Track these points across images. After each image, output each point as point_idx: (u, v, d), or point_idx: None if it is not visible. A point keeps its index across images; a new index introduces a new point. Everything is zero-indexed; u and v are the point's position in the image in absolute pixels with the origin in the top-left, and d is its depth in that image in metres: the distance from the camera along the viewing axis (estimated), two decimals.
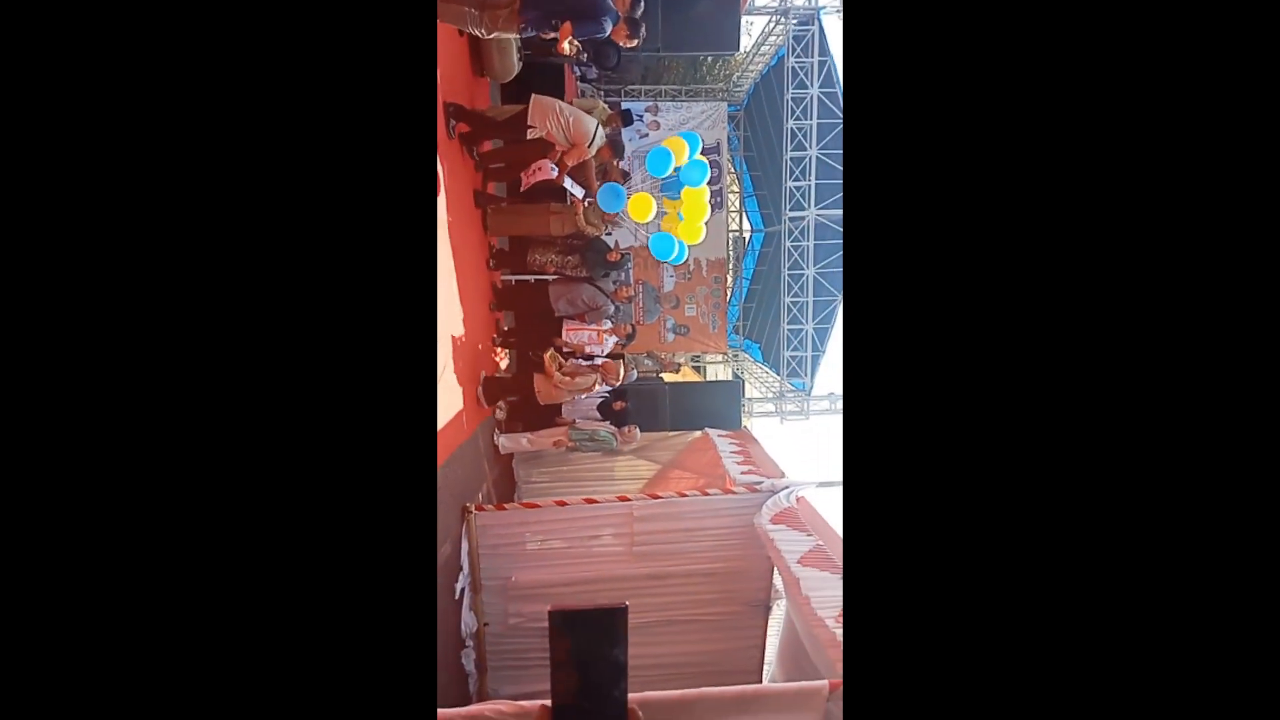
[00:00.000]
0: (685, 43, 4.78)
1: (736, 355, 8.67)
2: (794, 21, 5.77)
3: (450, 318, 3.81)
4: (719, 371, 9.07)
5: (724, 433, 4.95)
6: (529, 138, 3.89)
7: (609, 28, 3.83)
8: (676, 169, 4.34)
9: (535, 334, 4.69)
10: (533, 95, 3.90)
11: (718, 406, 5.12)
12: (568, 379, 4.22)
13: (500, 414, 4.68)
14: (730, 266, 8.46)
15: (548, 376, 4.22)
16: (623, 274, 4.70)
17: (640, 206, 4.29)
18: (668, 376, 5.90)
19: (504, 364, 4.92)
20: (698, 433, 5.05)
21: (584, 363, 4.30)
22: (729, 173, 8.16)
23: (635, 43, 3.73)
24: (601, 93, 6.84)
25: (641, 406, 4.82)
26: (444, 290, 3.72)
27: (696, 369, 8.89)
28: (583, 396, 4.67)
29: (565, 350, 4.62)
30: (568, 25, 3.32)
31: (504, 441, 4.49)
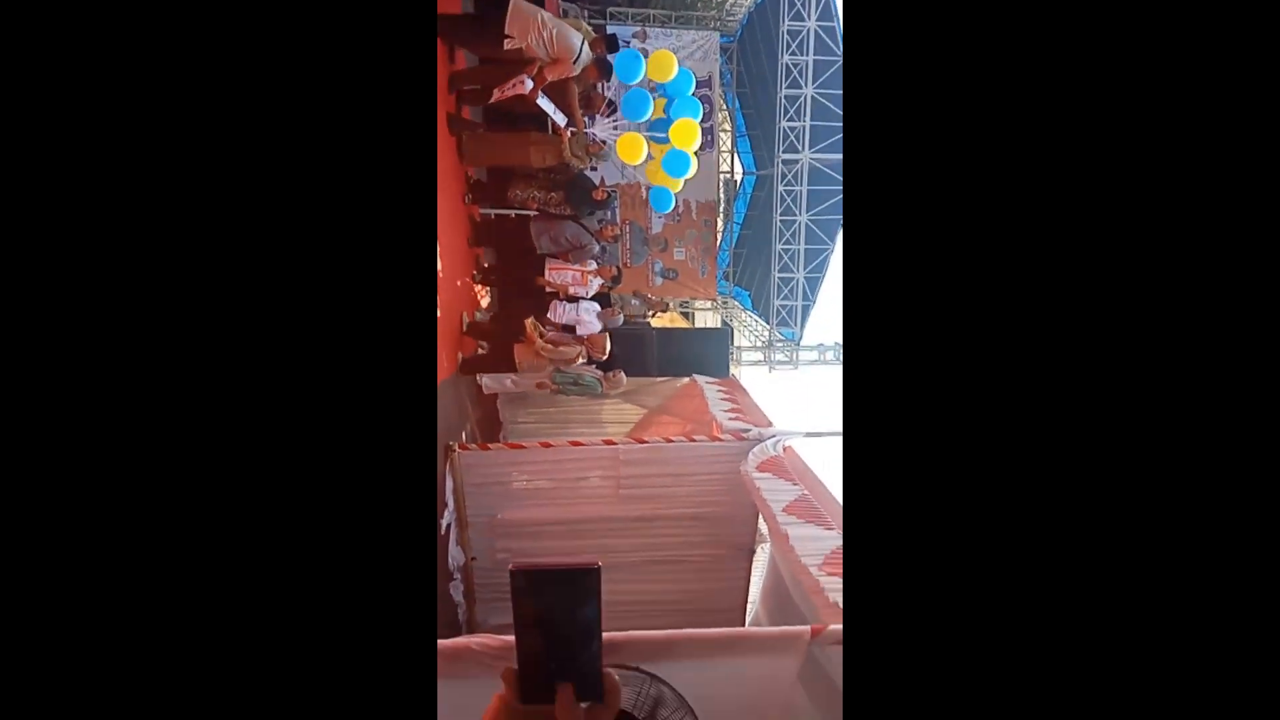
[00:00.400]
0: None
1: (726, 302, 8.51)
2: None
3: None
4: (708, 319, 8.92)
5: (712, 380, 4.84)
6: (506, 48, 3.56)
7: None
8: (667, 96, 4.05)
9: (517, 272, 4.48)
10: (511, 2, 3.55)
11: (706, 354, 4.99)
12: (550, 348, 4.04)
13: (484, 352, 4.51)
14: (721, 210, 8.18)
15: (529, 344, 4.04)
16: (609, 213, 4.46)
17: (630, 147, 4.01)
18: (655, 321, 5.73)
19: (485, 302, 4.71)
20: (685, 379, 4.94)
21: (568, 334, 4.11)
22: (721, 109, 7.77)
23: None
24: (585, 13, 6.37)
25: (628, 351, 4.67)
26: None
27: (685, 315, 8.72)
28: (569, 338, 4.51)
29: (549, 290, 4.42)
30: None
31: (487, 381, 4.34)
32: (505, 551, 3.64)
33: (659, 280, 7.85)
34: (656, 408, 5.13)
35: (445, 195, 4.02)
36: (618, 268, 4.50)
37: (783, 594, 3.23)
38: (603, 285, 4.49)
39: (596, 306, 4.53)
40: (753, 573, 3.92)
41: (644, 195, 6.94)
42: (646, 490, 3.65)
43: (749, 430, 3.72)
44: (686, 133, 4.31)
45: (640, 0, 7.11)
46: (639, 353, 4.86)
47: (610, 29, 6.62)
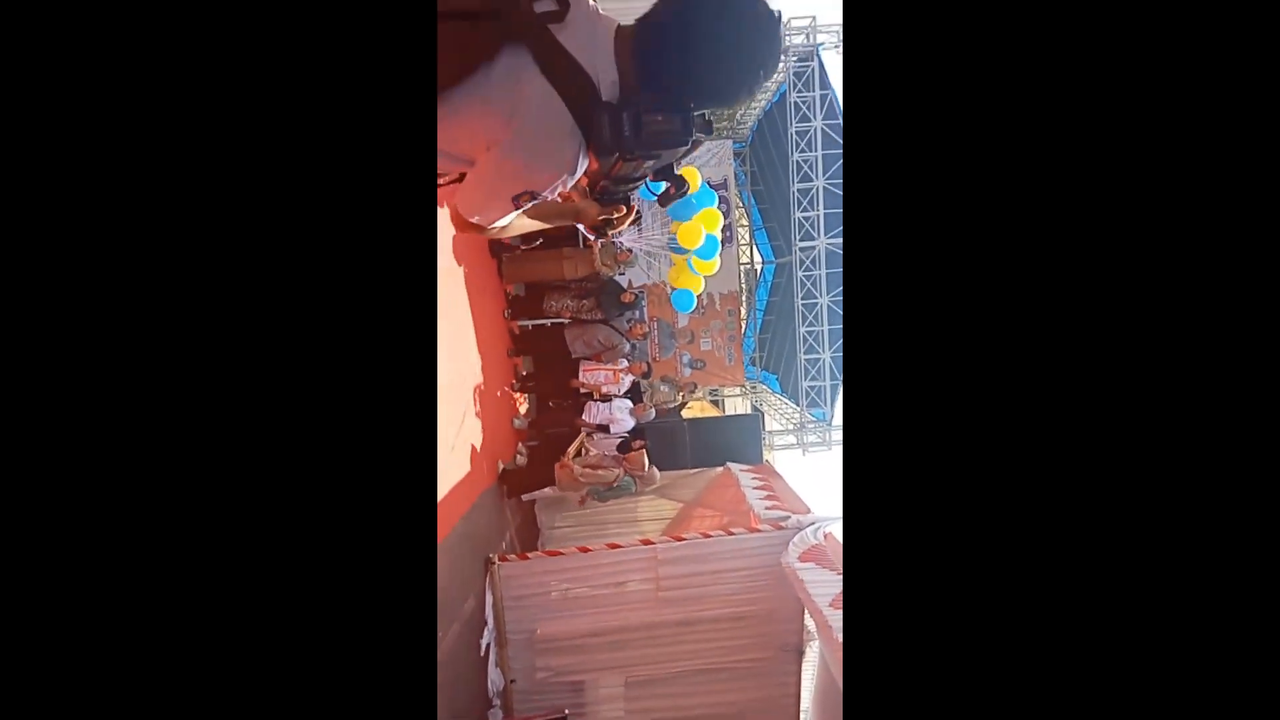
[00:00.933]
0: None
1: (755, 387, 8.62)
2: (794, 59, 5.92)
3: (469, 366, 3.87)
4: (737, 405, 9.00)
5: (746, 468, 4.89)
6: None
7: None
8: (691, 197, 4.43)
9: (553, 377, 4.73)
10: None
11: (738, 441, 5.06)
12: (589, 471, 4.19)
13: (521, 459, 4.69)
14: (744, 299, 8.49)
15: (566, 468, 4.20)
16: (637, 313, 4.75)
17: (692, 232, 4.36)
18: (686, 412, 5.85)
19: (523, 408, 4.95)
20: (720, 469, 4.99)
21: (607, 454, 4.29)
22: (737, 207, 8.27)
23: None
24: None
25: (661, 445, 4.79)
26: (463, 339, 3.78)
27: (715, 403, 8.83)
28: (601, 437, 4.67)
29: (582, 391, 4.64)
30: None
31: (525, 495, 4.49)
32: (545, 670, 3.56)
33: (688, 371, 8.05)
34: (692, 500, 5.15)
35: (485, 311, 4.38)
36: (648, 363, 4.73)
37: (836, 697, 3.11)
38: (635, 381, 4.70)
39: (629, 404, 4.71)
40: (805, 674, 3.77)
41: (668, 293, 7.32)
42: (687, 591, 3.61)
43: (787, 518, 3.71)
44: (710, 219, 4.63)
45: None
46: (671, 446, 4.97)
47: None
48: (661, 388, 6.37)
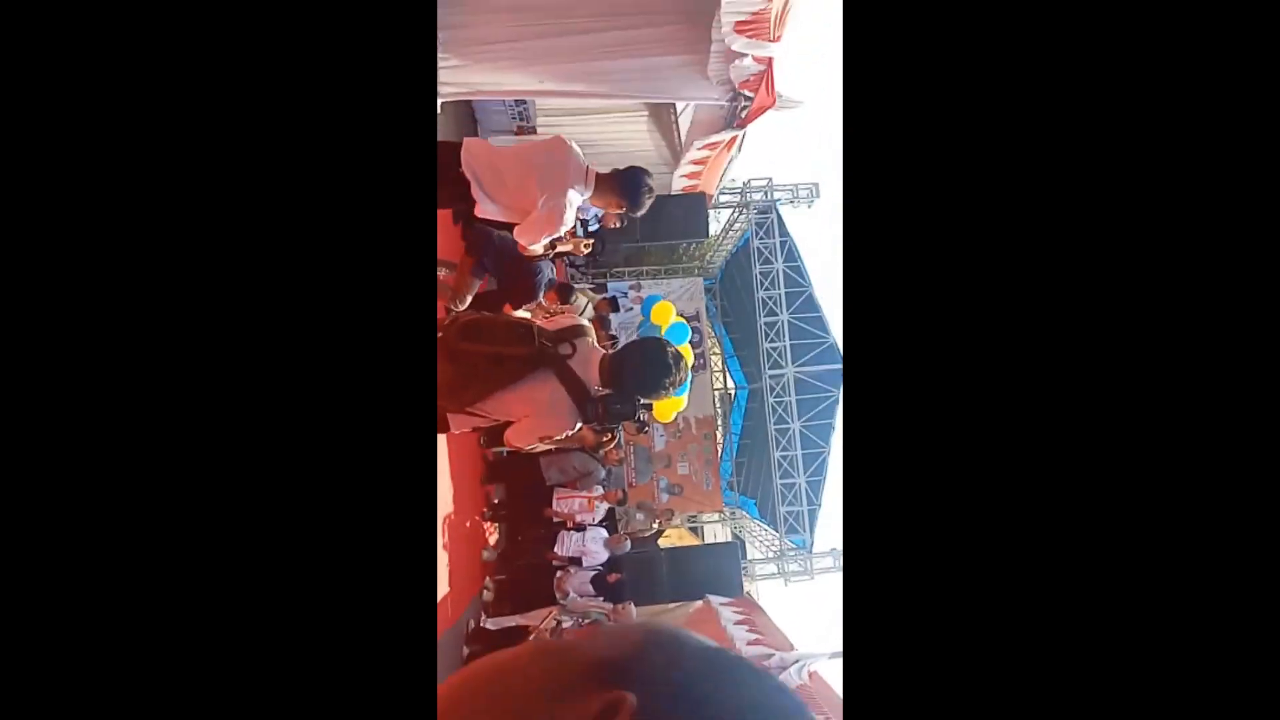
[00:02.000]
0: (661, 233, 5.48)
1: (734, 513, 8.50)
2: (755, 211, 6.67)
3: (440, 494, 3.83)
4: (717, 532, 8.79)
5: (726, 601, 4.72)
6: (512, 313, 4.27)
7: (594, 215, 4.43)
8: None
9: (526, 505, 4.67)
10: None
11: (718, 571, 4.92)
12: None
13: (487, 594, 4.47)
14: (719, 423, 8.66)
15: (542, 635, 4.09)
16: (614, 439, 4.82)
17: (668, 407, 4.52)
18: (663, 540, 5.72)
19: (493, 539, 4.81)
20: (698, 602, 4.80)
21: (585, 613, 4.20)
22: (709, 336, 8.73)
23: (621, 224, 4.30)
24: (588, 277, 7.57)
25: (637, 576, 4.63)
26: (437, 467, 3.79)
27: (694, 530, 8.63)
28: (574, 572, 4.52)
29: (556, 519, 4.56)
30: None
31: (491, 625, 4.24)
32: None
33: (665, 497, 7.96)
34: None
35: (459, 437, 4.42)
36: (623, 490, 4.71)
37: None
38: (609, 510, 4.65)
39: (603, 533, 4.63)
40: None
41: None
42: None
43: (770, 656, 3.56)
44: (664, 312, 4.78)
45: (634, 261, 8.49)
46: (648, 578, 4.81)
47: (610, 288, 7.81)
48: (637, 515, 6.27)
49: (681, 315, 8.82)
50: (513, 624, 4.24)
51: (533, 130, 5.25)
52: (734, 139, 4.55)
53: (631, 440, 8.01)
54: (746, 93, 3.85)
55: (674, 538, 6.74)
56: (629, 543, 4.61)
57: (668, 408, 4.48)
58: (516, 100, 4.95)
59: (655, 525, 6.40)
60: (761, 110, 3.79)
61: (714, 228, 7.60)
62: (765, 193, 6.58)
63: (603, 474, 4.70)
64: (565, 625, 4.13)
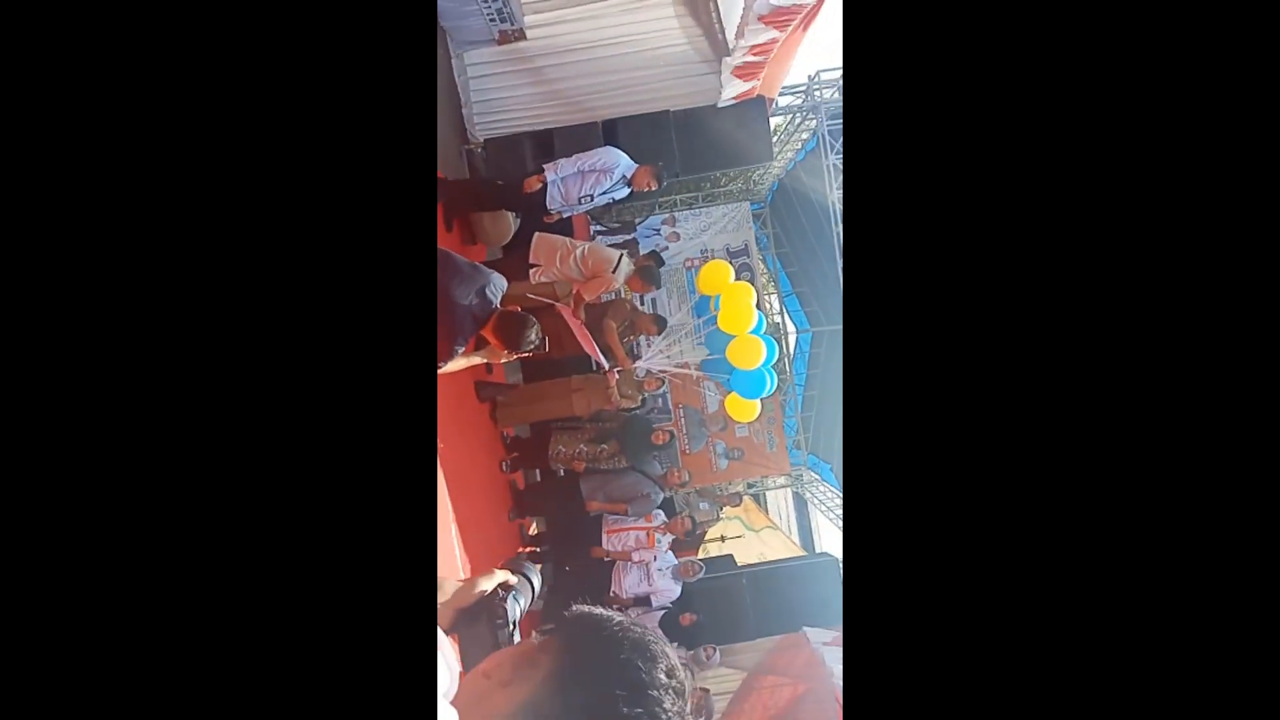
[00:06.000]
0: (706, 162, 4.11)
1: (800, 475, 7.51)
2: (826, 115, 5.08)
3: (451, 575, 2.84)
4: (781, 502, 7.87)
5: (827, 634, 3.76)
6: (533, 280, 3.11)
7: (620, 179, 3.13)
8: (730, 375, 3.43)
9: (569, 543, 3.70)
10: (536, 233, 3.16)
11: (811, 594, 3.97)
12: None
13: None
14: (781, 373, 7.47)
15: None
16: (674, 456, 3.73)
17: (742, 407, 3.33)
18: (740, 555, 4.76)
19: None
20: (793, 634, 3.87)
21: None
22: (762, 274, 7.37)
23: (659, 184, 3.05)
24: (612, 216, 6.24)
25: (716, 612, 3.72)
26: (443, 544, 2.78)
27: (755, 498, 7.71)
28: (638, 614, 3.60)
29: (608, 559, 3.60)
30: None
31: None
32: None
33: (723, 463, 6.98)
34: (756, 667, 4.03)
35: (478, 466, 3.40)
36: (692, 519, 3.68)
37: None
38: (674, 543, 3.65)
39: (671, 560, 3.66)
40: None
41: (694, 377, 6.30)
42: None
43: None
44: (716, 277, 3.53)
45: (667, 188, 7.02)
46: (729, 611, 3.88)
47: (639, 227, 6.46)
48: (700, 505, 5.29)
49: (728, 251, 7.48)
50: None
51: (520, 34, 3.79)
52: (815, 8, 3.06)
53: (681, 401, 6.97)
54: None
55: (753, 550, 5.78)
56: (703, 569, 3.63)
57: (744, 410, 3.32)
58: None
59: (720, 513, 5.44)
60: None
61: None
62: (840, 87, 4.97)
63: (660, 497, 3.66)
64: None
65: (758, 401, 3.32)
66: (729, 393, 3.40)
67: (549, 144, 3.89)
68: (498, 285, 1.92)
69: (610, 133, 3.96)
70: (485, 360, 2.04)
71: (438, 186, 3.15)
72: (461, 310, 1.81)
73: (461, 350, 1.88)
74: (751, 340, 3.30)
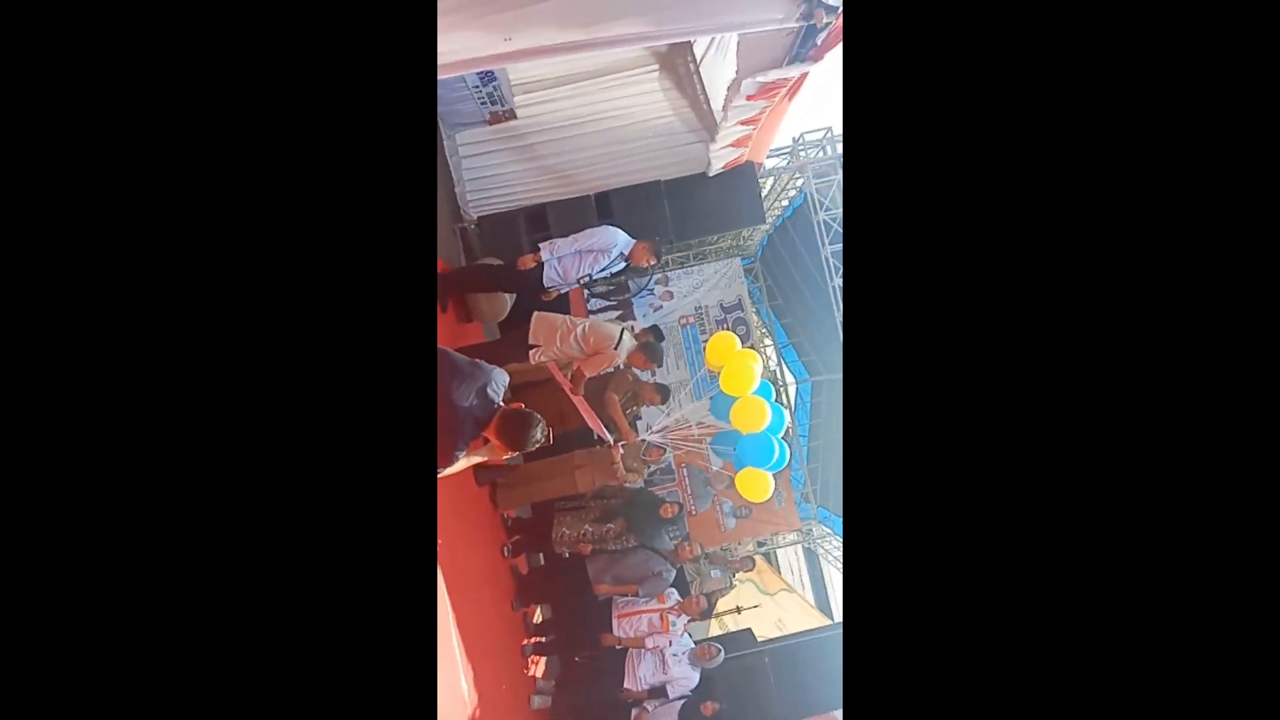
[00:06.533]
0: (700, 227, 4.12)
1: (811, 530, 7.29)
2: (813, 175, 5.15)
3: (451, 680, 2.63)
4: (793, 559, 7.60)
5: None
6: (533, 361, 3.01)
7: (617, 256, 3.11)
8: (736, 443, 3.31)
9: (576, 631, 3.48)
10: (535, 312, 3.09)
11: (839, 667, 3.73)
12: None
13: None
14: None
15: None
16: (680, 528, 3.57)
17: (754, 484, 3.19)
18: (758, 626, 4.50)
19: (540, 671, 3.65)
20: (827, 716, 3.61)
21: None
22: (758, 327, 7.36)
23: (657, 259, 3.02)
24: (613, 287, 6.25)
25: (740, 698, 3.47)
26: (442, 642, 2.59)
27: (765, 556, 7.45)
28: (655, 705, 3.35)
29: (619, 647, 3.37)
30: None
31: None
32: None
33: (731, 522, 6.76)
34: None
35: (478, 553, 3.23)
36: (706, 598, 3.48)
37: None
38: (688, 623, 3.44)
39: (688, 644, 3.43)
40: None
41: (696, 435, 6.16)
42: None
43: None
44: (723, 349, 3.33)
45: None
46: (752, 694, 3.62)
47: (634, 289, 6.47)
48: (712, 573, 5.06)
49: (722, 307, 7.49)
50: None
51: (510, 115, 3.86)
52: (800, 80, 3.12)
53: (684, 460, 6.80)
54: (829, 1, 2.41)
55: (772, 621, 5.51)
56: (722, 654, 3.40)
57: (756, 486, 3.19)
58: (482, 77, 3.56)
59: (734, 580, 5.20)
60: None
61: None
62: (824, 147, 5.07)
63: (673, 574, 3.47)
64: None
65: (770, 478, 3.18)
66: (739, 471, 3.27)
67: (543, 218, 3.90)
68: (499, 383, 1.83)
69: (603, 204, 3.98)
70: (487, 459, 1.93)
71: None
72: (463, 413, 1.71)
73: (463, 455, 1.77)
74: (755, 401, 3.20)
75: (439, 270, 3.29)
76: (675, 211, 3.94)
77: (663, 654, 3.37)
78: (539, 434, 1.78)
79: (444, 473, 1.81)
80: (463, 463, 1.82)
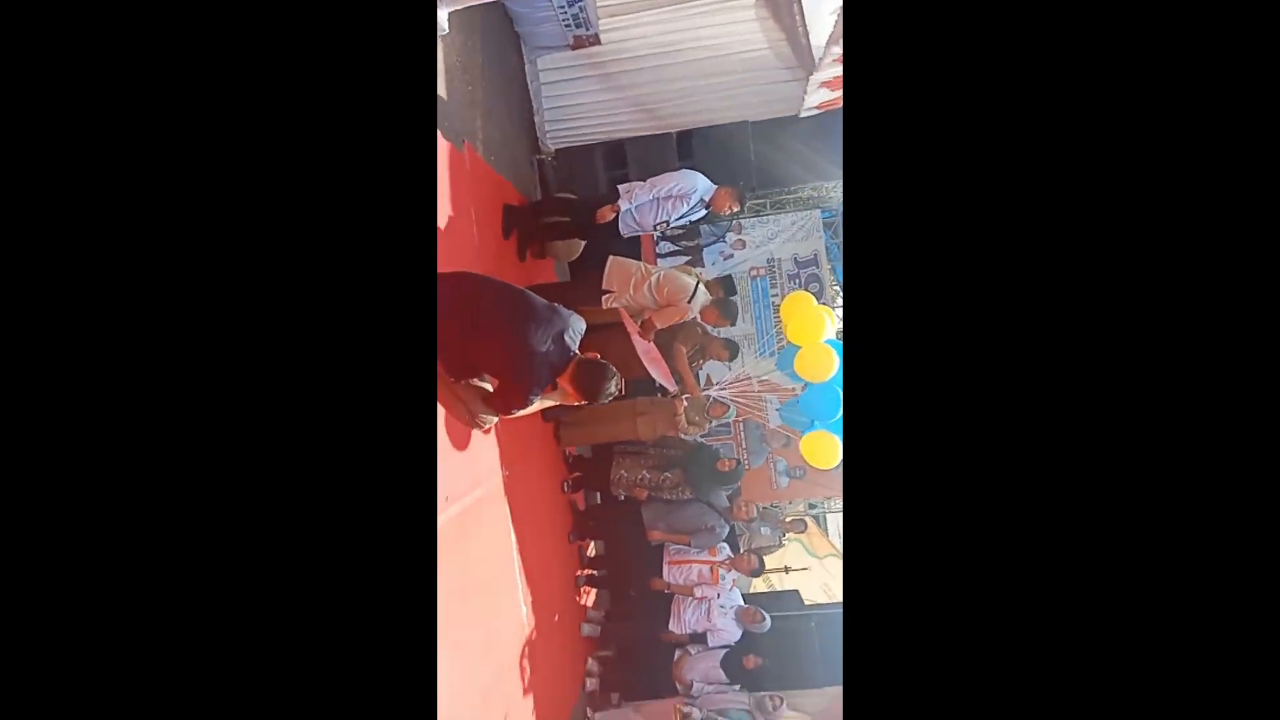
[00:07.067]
0: (783, 175, 3.87)
1: None
2: None
3: (512, 605, 2.75)
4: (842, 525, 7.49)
5: None
6: (605, 306, 2.98)
7: (697, 202, 2.95)
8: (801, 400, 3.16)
9: (628, 570, 3.56)
10: (610, 255, 3.02)
11: None
12: None
13: (591, 681, 3.51)
14: None
15: None
16: (738, 486, 3.53)
17: (820, 449, 3.08)
18: (805, 589, 4.50)
19: (591, 601, 3.79)
20: None
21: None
22: (831, 285, 7.01)
23: (740, 207, 2.86)
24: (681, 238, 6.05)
25: (782, 656, 3.49)
26: (505, 569, 2.69)
27: (815, 519, 7.38)
28: (697, 650, 3.43)
29: (668, 591, 3.44)
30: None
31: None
32: None
33: (784, 481, 6.69)
34: (822, 713, 3.77)
35: (541, 485, 3.31)
36: (759, 557, 3.47)
37: None
38: (735, 580, 3.45)
39: (737, 600, 3.47)
40: None
41: (755, 390, 6.03)
42: None
43: None
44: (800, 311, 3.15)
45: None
46: (794, 653, 3.65)
47: (705, 242, 6.25)
48: (762, 530, 5.05)
49: (796, 261, 7.15)
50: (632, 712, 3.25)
51: (595, 40, 3.66)
52: None
53: (743, 416, 6.73)
54: None
55: (802, 537, 5.54)
56: (768, 621, 3.41)
57: (825, 452, 3.08)
58: None
59: (783, 539, 5.18)
60: None
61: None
62: None
63: (726, 530, 3.46)
64: None
65: (839, 445, 3.05)
66: (805, 435, 3.14)
67: (621, 155, 3.75)
68: (576, 329, 1.78)
69: (684, 143, 3.78)
70: (558, 404, 1.91)
71: (508, 212, 3.06)
72: (539, 358, 1.69)
73: (536, 399, 1.75)
74: (824, 349, 3.04)
75: (517, 203, 3.24)
76: (761, 156, 3.70)
77: (709, 604, 3.41)
78: (613, 388, 1.74)
79: (517, 414, 1.81)
80: (536, 405, 1.81)
